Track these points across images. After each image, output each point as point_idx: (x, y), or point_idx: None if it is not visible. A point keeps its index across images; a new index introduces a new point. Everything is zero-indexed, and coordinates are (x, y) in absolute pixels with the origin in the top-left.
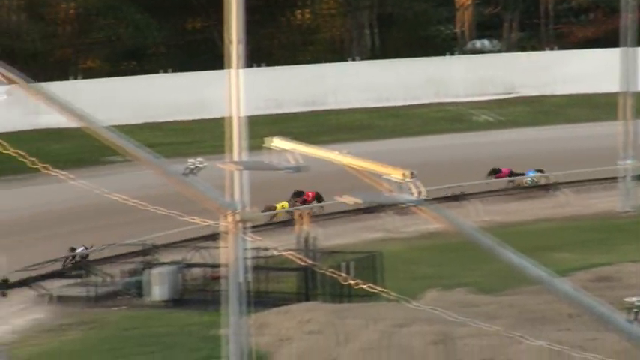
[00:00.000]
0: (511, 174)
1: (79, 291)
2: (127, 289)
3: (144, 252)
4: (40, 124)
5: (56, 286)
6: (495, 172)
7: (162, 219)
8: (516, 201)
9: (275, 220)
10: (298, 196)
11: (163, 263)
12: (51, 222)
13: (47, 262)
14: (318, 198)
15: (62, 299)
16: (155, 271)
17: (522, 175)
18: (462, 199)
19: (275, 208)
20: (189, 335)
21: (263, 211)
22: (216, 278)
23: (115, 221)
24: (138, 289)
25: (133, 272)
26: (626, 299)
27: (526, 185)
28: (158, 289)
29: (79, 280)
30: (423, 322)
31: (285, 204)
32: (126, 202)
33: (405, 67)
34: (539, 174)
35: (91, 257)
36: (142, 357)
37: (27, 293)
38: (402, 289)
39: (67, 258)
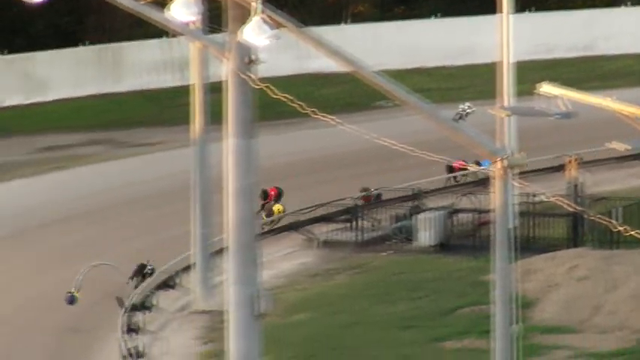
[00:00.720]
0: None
1: (346, 236)
2: (394, 234)
3: (412, 197)
4: (310, 69)
5: (324, 230)
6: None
7: (430, 164)
8: None
9: (274, 225)
10: (264, 197)
11: (431, 208)
12: (321, 167)
13: (315, 206)
14: (279, 194)
15: (330, 244)
16: (423, 216)
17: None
18: None
19: (273, 212)
20: (457, 281)
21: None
22: (485, 224)
23: (384, 166)
24: (405, 235)
25: (401, 217)
26: None
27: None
28: (426, 234)
29: (346, 225)
30: None
31: (281, 207)
32: (395, 147)
33: None
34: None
35: (358, 202)
36: (409, 302)
37: (295, 238)
38: None
39: None
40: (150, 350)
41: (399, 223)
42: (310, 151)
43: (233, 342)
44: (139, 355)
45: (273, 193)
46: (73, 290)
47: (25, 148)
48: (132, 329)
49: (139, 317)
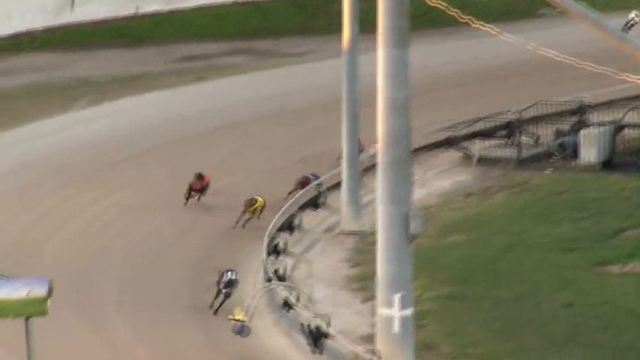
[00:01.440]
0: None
1: (505, 152)
2: (556, 150)
3: (575, 111)
4: None
5: (482, 147)
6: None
7: (596, 76)
8: None
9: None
10: (199, 179)
11: (596, 124)
12: (478, 78)
13: (472, 121)
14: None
15: (487, 161)
16: (586, 131)
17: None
18: None
19: (256, 202)
20: (622, 201)
21: (245, 208)
22: None
23: (546, 78)
24: (568, 151)
25: (563, 133)
26: None
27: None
28: (590, 151)
29: (505, 140)
30: None
31: (262, 199)
32: (558, 58)
33: None
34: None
35: (518, 117)
36: (571, 223)
37: (450, 154)
38: None
39: None
40: (293, 273)
41: (561, 139)
42: (467, 62)
43: (383, 265)
44: (282, 278)
45: (207, 178)
46: (242, 317)
47: (164, 57)
48: (275, 251)
49: (284, 238)
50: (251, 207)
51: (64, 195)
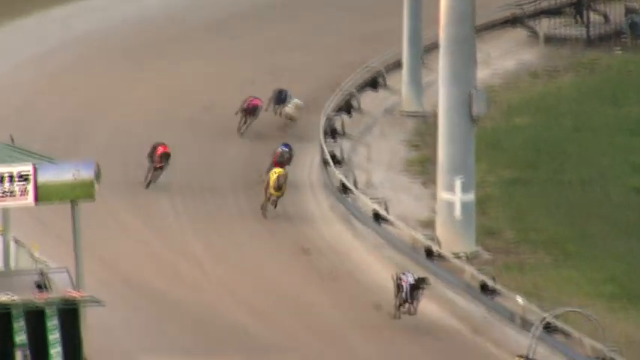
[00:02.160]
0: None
1: (573, 31)
2: (626, 29)
3: None
4: None
5: (549, 25)
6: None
7: None
8: None
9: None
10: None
11: None
12: None
13: None
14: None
15: (554, 40)
16: None
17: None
18: None
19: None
20: None
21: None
22: None
23: None
24: (638, 30)
25: (634, 11)
26: None
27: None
28: None
29: (574, 19)
30: None
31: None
32: None
33: None
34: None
35: None
36: None
37: (515, 33)
38: None
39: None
40: (351, 156)
41: (631, 18)
42: None
43: (444, 147)
44: (339, 161)
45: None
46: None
47: None
48: (333, 133)
49: (341, 120)
50: (279, 189)
51: (110, 76)
